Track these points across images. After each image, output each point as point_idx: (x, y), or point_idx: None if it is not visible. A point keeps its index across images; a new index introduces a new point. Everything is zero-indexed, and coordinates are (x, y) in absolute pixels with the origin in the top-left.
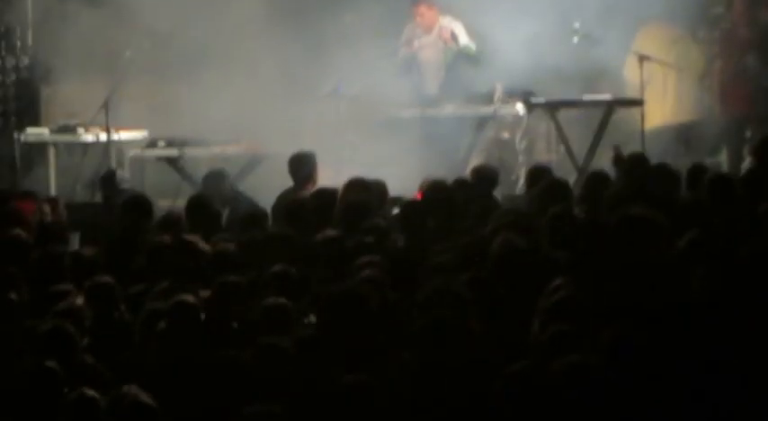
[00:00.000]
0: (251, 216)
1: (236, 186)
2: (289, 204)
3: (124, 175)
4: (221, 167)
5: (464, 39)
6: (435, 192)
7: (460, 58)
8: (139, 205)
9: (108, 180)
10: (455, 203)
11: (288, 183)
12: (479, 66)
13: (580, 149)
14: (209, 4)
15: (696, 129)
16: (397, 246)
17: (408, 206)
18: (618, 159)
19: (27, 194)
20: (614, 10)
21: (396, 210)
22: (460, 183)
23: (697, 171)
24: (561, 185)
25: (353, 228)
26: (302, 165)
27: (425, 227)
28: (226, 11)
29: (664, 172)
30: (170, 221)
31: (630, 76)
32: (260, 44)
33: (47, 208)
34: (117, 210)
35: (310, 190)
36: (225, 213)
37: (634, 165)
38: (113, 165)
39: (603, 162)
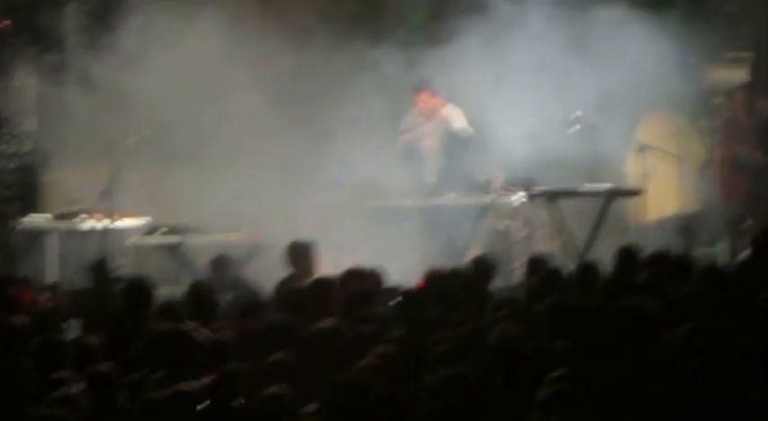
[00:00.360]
0: (249, 305)
1: (240, 273)
2: (288, 293)
3: (116, 262)
4: (226, 254)
5: (459, 123)
6: (434, 281)
7: (455, 144)
8: (139, 292)
9: (98, 267)
10: (453, 293)
11: (284, 271)
12: (468, 150)
13: (580, 238)
14: (211, 92)
15: (696, 220)
16: (396, 336)
17: (408, 296)
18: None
19: (25, 281)
20: (615, 100)
21: (394, 300)
22: (458, 273)
23: (685, 262)
24: (558, 275)
25: (353, 317)
26: (302, 254)
27: (424, 317)
28: (227, 99)
29: (658, 262)
30: (169, 309)
31: (632, 167)
32: (261, 132)
33: (45, 295)
34: (116, 296)
35: (310, 278)
36: (227, 299)
37: (627, 257)
38: (114, 252)
39: (603, 251)
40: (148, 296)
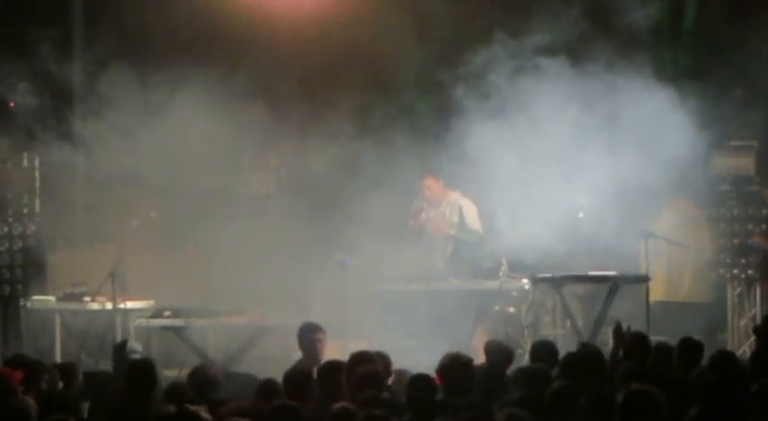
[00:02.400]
0: (265, 387)
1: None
2: (294, 376)
3: (134, 346)
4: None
5: (471, 221)
6: (447, 367)
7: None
8: (143, 374)
9: (119, 350)
10: (463, 378)
11: (289, 355)
12: (477, 249)
13: (586, 324)
14: (217, 175)
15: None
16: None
17: (416, 380)
18: (617, 333)
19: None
20: (624, 188)
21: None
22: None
23: (688, 347)
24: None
25: (360, 400)
26: (311, 338)
27: (433, 401)
28: (233, 182)
29: (664, 349)
30: (175, 391)
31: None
32: (267, 215)
33: (54, 376)
34: (121, 378)
35: (319, 362)
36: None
37: (635, 343)
38: (119, 334)
39: (609, 337)
40: (153, 377)
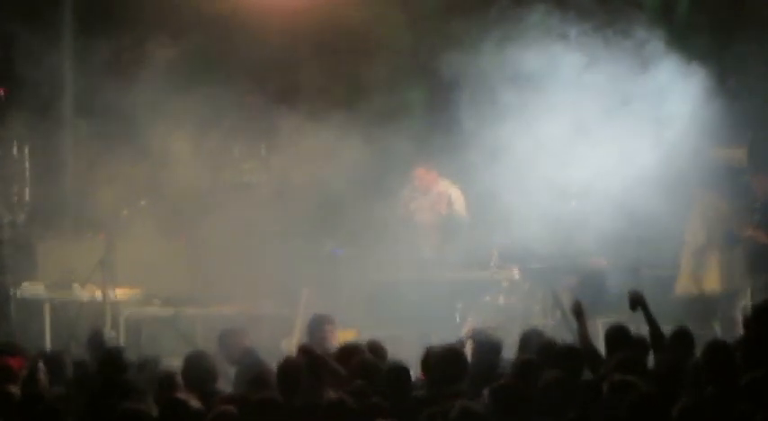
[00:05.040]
0: (254, 378)
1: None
2: (282, 367)
3: (111, 334)
4: (234, 327)
5: (459, 208)
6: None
7: (450, 224)
8: (114, 361)
9: (95, 338)
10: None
11: (279, 344)
12: (464, 237)
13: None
14: (208, 163)
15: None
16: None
17: (403, 371)
18: (577, 311)
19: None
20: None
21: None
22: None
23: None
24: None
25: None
26: (318, 328)
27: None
28: (224, 170)
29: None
30: (166, 380)
31: None
32: (257, 205)
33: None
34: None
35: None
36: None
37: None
38: (108, 322)
39: (599, 328)
40: (122, 367)
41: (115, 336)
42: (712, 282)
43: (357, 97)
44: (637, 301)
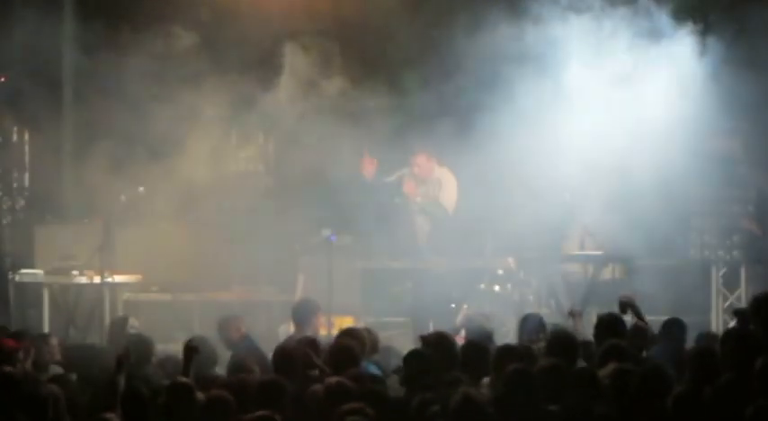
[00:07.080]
0: (245, 363)
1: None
2: (277, 352)
3: (134, 323)
4: (233, 313)
5: (446, 198)
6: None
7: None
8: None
9: (119, 325)
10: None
11: (274, 330)
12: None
13: (571, 304)
14: (207, 151)
15: None
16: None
17: (413, 358)
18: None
19: (17, 334)
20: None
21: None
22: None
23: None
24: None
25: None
26: (307, 314)
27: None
28: (221, 157)
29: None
30: (167, 365)
31: None
32: (254, 192)
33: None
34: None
35: (312, 336)
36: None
37: (608, 324)
38: (107, 308)
39: (593, 317)
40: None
41: (138, 326)
42: None
43: (357, 83)
44: (627, 305)
